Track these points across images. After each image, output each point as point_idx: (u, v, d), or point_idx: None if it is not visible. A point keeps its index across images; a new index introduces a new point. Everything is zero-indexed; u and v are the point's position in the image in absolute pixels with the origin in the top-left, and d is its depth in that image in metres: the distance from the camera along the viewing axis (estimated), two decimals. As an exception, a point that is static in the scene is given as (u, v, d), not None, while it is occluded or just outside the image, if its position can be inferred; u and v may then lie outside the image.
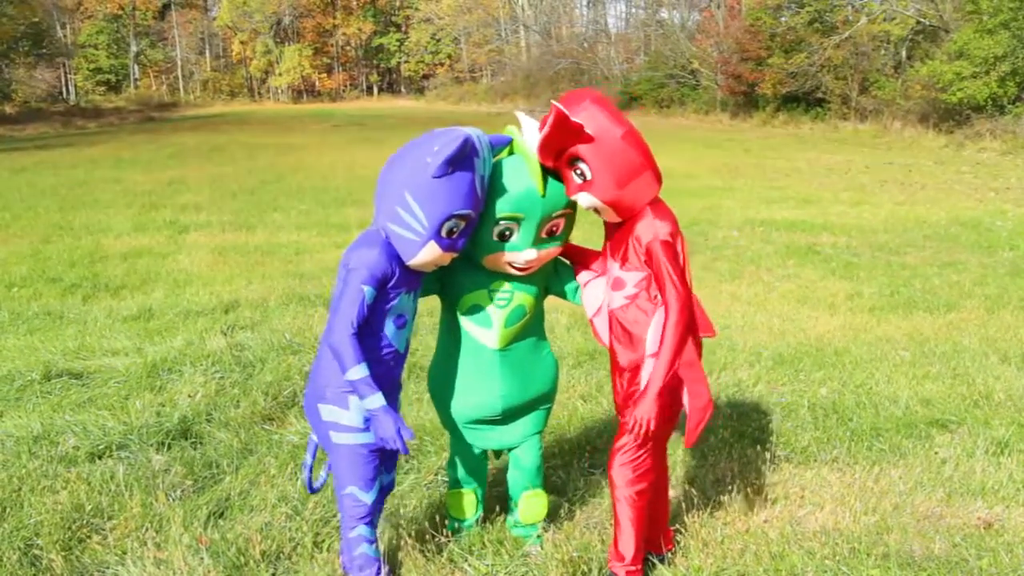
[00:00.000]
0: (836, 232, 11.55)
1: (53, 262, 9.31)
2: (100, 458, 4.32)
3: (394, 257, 2.85)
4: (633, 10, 54.39)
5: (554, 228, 3.07)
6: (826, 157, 22.13)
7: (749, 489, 3.96)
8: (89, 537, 3.53)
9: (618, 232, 3.07)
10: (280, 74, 61.30)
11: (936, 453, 4.44)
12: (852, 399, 5.23)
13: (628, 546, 3.18)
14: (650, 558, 3.38)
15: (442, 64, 61.79)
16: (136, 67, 60.98)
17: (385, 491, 3.20)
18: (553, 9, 56.88)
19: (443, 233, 2.81)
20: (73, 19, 58.59)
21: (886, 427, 4.78)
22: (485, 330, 3.20)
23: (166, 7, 63.32)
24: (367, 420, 2.91)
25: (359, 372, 2.74)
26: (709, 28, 41.56)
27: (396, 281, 2.86)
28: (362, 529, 3.04)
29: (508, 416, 3.32)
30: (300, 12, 63.74)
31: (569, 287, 3.34)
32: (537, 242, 3.04)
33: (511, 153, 3.07)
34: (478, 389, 3.25)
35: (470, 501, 3.51)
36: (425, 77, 63.30)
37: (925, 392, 5.35)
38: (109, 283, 8.40)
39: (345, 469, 2.99)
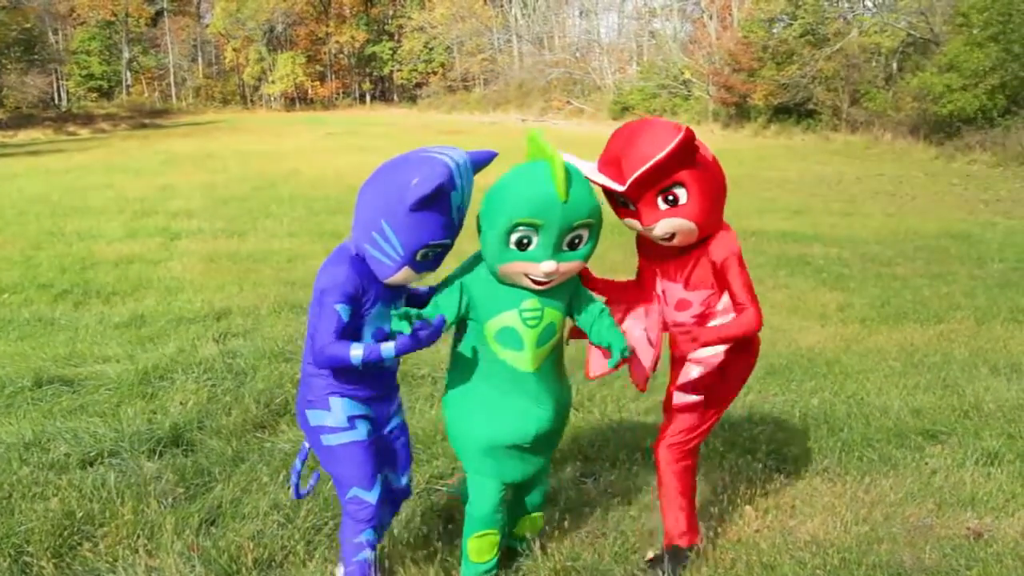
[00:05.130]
0: (827, 243, 11.60)
1: (44, 268, 9.28)
2: (91, 465, 4.31)
3: (364, 273, 2.88)
4: (625, 20, 54.60)
5: (576, 240, 2.91)
6: (817, 168, 22.22)
7: (740, 499, 3.97)
8: (80, 544, 3.53)
9: (682, 254, 3.14)
10: (273, 81, 61.24)
11: (926, 463, 4.46)
12: (843, 409, 5.25)
13: (680, 518, 3.34)
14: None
15: (435, 73, 61.78)
16: (128, 73, 60.83)
17: (397, 494, 3.24)
18: (546, 19, 57.00)
19: (417, 259, 2.84)
20: (65, 25, 58.50)
21: (877, 437, 4.80)
22: (517, 352, 3.03)
23: (159, 14, 63.24)
24: (351, 419, 2.98)
25: (358, 351, 2.79)
26: (701, 39, 41.73)
27: (368, 295, 2.90)
28: (368, 534, 3.04)
29: (537, 443, 3.17)
30: (293, 20, 63.70)
31: (587, 313, 3.18)
32: (557, 253, 2.87)
33: (534, 158, 2.91)
34: (512, 413, 3.08)
35: (493, 542, 3.25)
36: (418, 86, 63.28)
37: (916, 403, 5.37)
38: (100, 290, 8.38)
39: (343, 471, 3.01)
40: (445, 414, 3.24)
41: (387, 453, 3.16)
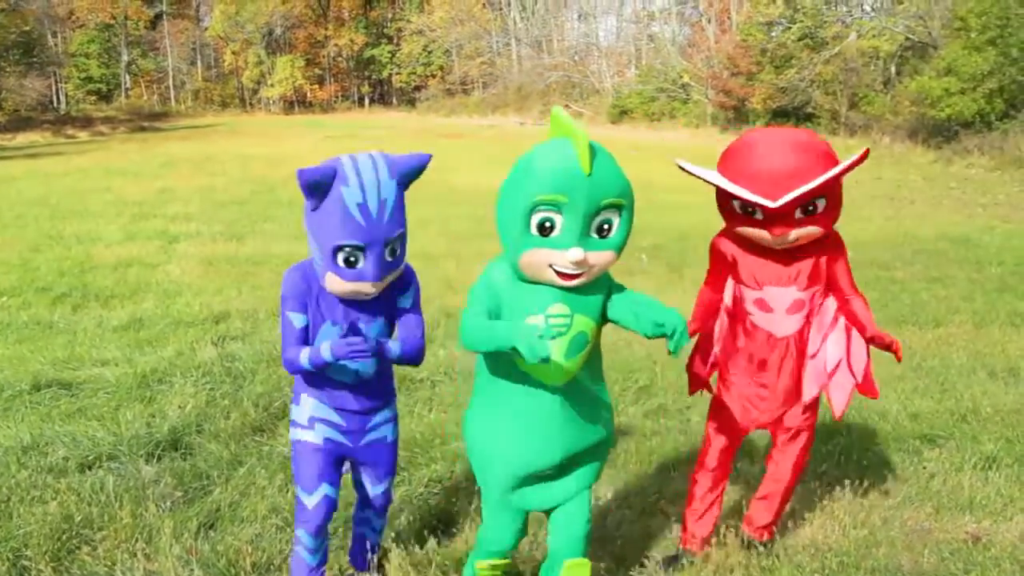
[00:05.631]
0: (825, 246, 11.58)
1: (43, 271, 9.27)
2: (90, 469, 4.31)
3: (315, 281, 2.87)
4: (624, 24, 54.64)
5: (606, 225, 2.59)
6: (816, 172, 22.18)
7: (739, 503, 3.97)
8: (79, 548, 3.53)
9: (794, 256, 3.16)
10: (272, 85, 61.26)
11: (924, 468, 4.47)
12: (841, 413, 5.24)
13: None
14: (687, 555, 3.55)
15: (433, 76, 61.82)
16: (127, 76, 60.85)
17: (375, 502, 3.22)
18: (544, 22, 57.08)
19: (339, 263, 2.71)
20: (64, 28, 58.49)
21: (875, 441, 4.81)
22: (542, 364, 2.64)
23: (158, 17, 63.29)
24: (312, 419, 3.01)
25: (304, 355, 2.83)
26: (700, 43, 41.80)
27: (320, 306, 2.88)
28: (300, 534, 3.03)
29: (564, 467, 2.86)
30: (292, 23, 63.75)
31: (621, 303, 2.76)
32: (585, 239, 2.56)
33: (557, 136, 2.64)
34: (534, 436, 2.77)
35: (499, 569, 3.03)
36: (417, 89, 63.32)
37: (914, 407, 5.37)
38: (99, 293, 8.37)
39: (295, 468, 3.06)
40: (466, 436, 2.96)
41: (363, 463, 3.15)
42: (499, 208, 2.67)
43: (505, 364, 2.76)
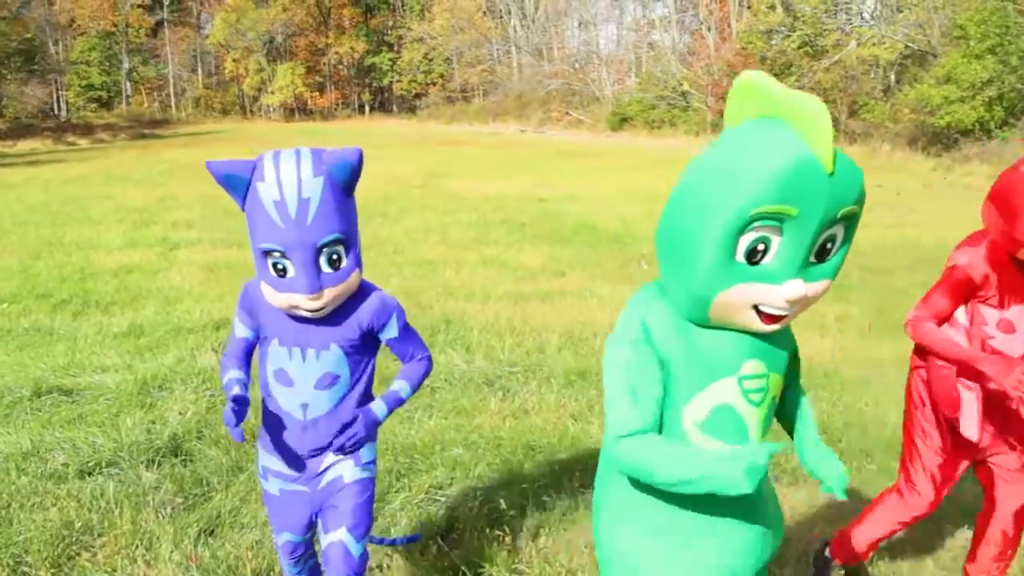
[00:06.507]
0: (825, 254, 11.60)
1: (43, 278, 9.28)
2: (90, 475, 4.32)
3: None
4: (624, 32, 54.77)
5: (829, 243, 1.80)
6: (815, 179, 22.24)
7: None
8: (79, 554, 3.53)
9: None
10: (272, 92, 61.43)
11: (925, 475, 4.46)
12: (841, 420, 5.25)
13: None
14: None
15: (434, 83, 62.02)
16: (128, 84, 61.07)
17: (331, 556, 2.63)
18: (545, 30, 57.22)
19: (270, 270, 2.38)
20: (66, 36, 58.70)
21: (875, 448, 4.81)
22: (739, 448, 1.84)
23: (159, 24, 63.50)
24: (264, 470, 2.72)
25: (226, 376, 2.61)
26: (700, 51, 41.92)
27: (265, 324, 2.57)
28: (281, 560, 2.87)
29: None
30: (293, 31, 63.98)
31: (789, 398, 2.17)
32: (806, 266, 1.78)
33: (761, 114, 1.80)
34: (723, 554, 1.96)
35: None
36: (417, 96, 63.51)
37: (914, 414, 5.37)
38: (99, 299, 8.39)
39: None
40: (598, 547, 2.11)
41: (322, 507, 2.69)
42: (676, 226, 1.85)
43: None
